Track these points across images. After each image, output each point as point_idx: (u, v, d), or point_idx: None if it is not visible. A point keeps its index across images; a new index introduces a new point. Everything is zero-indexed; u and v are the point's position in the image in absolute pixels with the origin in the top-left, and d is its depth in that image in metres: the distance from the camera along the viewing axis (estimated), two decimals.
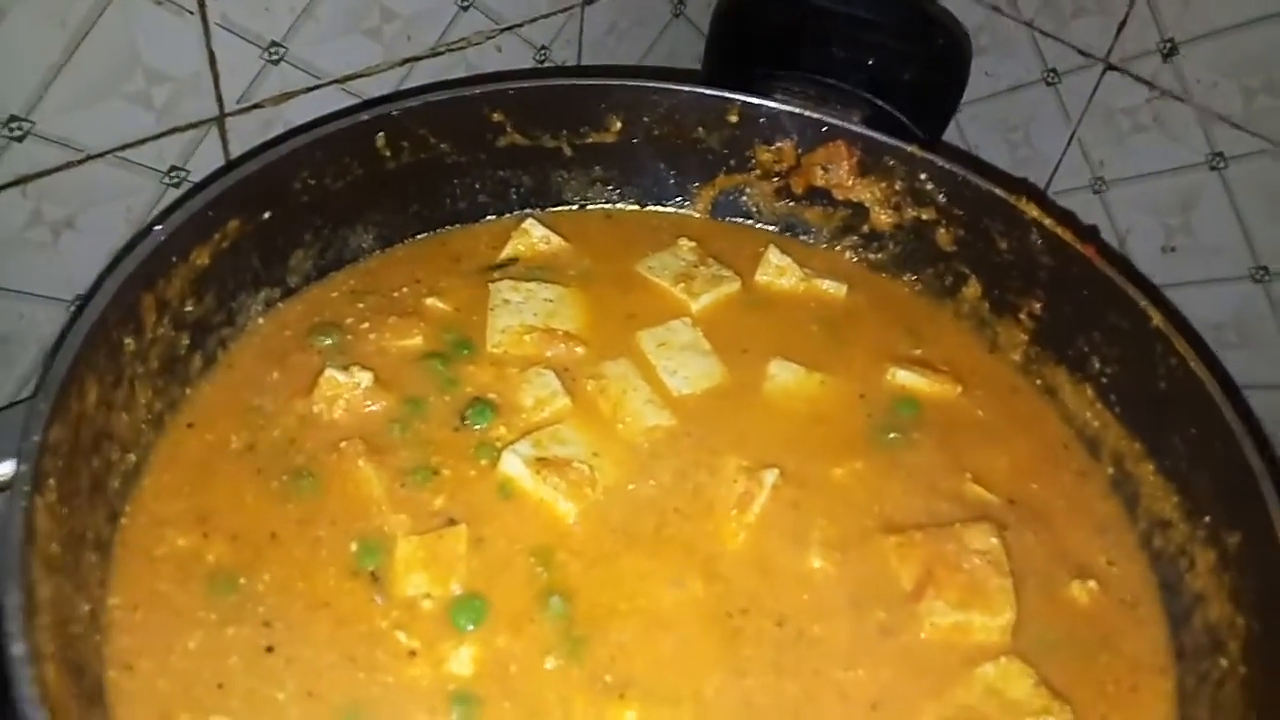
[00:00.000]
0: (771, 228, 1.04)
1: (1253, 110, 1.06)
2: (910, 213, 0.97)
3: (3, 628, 0.53)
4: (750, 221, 1.05)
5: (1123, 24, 1.13)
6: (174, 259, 0.75)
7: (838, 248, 1.03)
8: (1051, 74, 1.21)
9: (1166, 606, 0.75)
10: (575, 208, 1.03)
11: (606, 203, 1.04)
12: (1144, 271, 1.20)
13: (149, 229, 0.75)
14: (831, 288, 0.98)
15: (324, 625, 0.68)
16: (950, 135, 1.26)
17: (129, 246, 0.85)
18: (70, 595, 0.62)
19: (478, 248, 0.97)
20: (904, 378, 0.89)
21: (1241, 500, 0.68)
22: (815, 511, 0.78)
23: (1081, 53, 1.18)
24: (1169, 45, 1.10)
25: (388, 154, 0.90)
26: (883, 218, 0.98)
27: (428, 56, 1.06)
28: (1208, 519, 0.74)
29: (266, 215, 0.82)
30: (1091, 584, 0.76)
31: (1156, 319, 0.79)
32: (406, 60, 1.05)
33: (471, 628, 0.68)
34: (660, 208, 1.05)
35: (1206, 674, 0.69)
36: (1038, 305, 0.91)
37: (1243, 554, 0.69)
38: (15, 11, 0.78)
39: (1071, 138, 1.22)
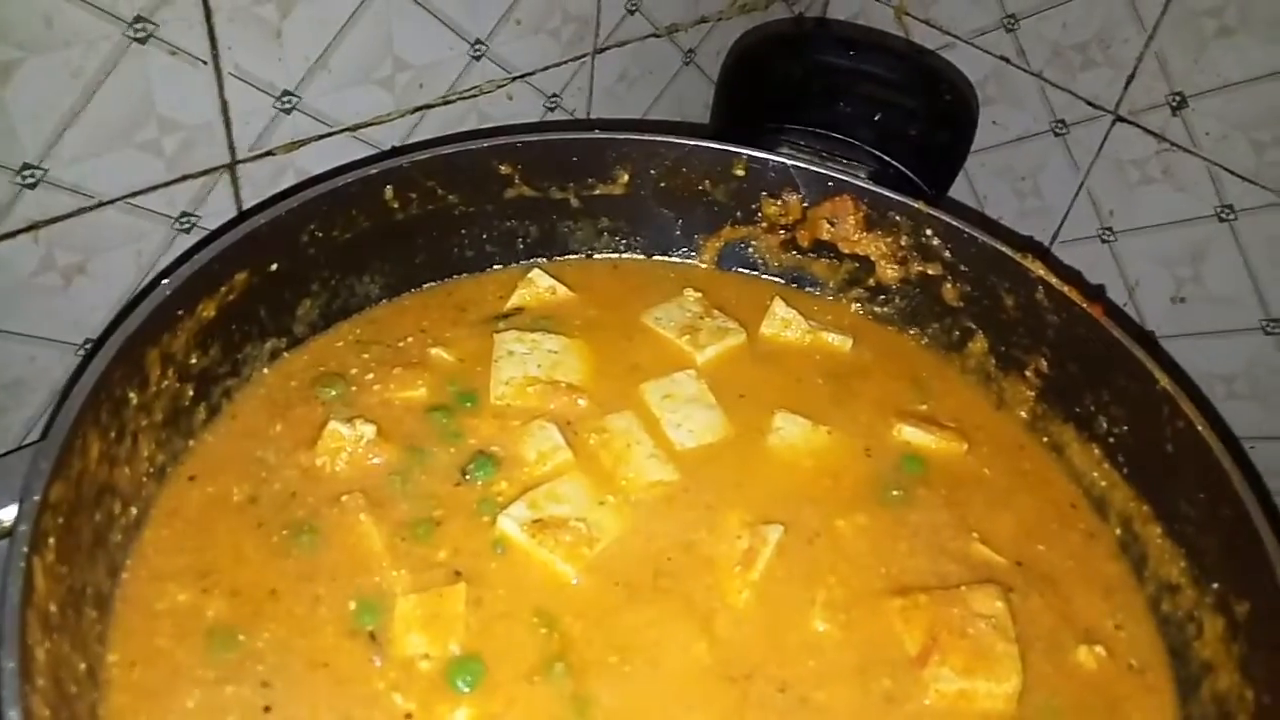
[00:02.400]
0: (778, 279, 1.04)
1: (1263, 164, 1.06)
2: (916, 267, 0.97)
3: None
4: (756, 273, 1.05)
5: (1131, 77, 1.13)
6: (180, 313, 0.75)
7: (844, 300, 1.03)
8: (1060, 124, 1.21)
9: (1175, 673, 0.74)
10: (582, 257, 1.04)
11: (613, 253, 1.04)
12: (1154, 322, 1.20)
13: (157, 281, 0.76)
14: (837, 340, 0.97)
15: (322, 685, 0.67)
16: (959, 184, 1.26)
17: (138, 297, 0.86)
18: (68, 654, 0.62)
19: (484, 297, 0.97)
20: (910, 434, 0.89)
21: (1250, 569, 0.67)
22: (820, 570, 0.78)
23: (1090, 104, 1.18)
24: (1178, 98, 1.10)
25: (396, 205, 0.90)
26: (889, 272, 0.98)
27: (439, 105, 1.07)
28: (1216, 585, 0.73)
29: (274, 267, 0.83)
30: (1099, 649, 0.75)
31: (1164, 381, 0.78)
32: (418, 109, 1.06)
33: (469, 690, 0.68)
34: (666, 258, 1.05)
35: None
36: (1044, 363, 0.90)
37: (1252, 624, 0.68)
38: (31, 62, 0.79)
39: (1080, 188, 1.22)
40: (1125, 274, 1.21)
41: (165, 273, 0.80)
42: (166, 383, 0.75)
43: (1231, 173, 1.09)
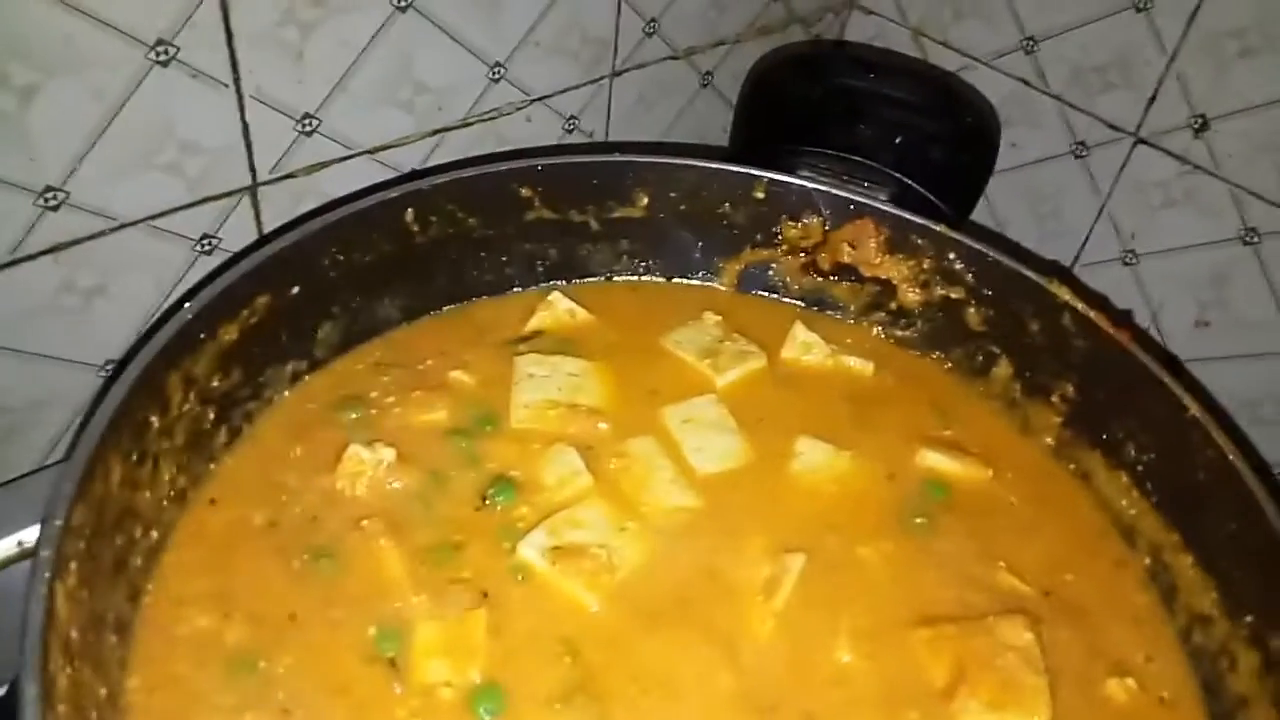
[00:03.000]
0: (798, 302, 1.04)
1: None
2: (939, 291, 0.96)
3: None
4: (777, 296, 1.04)
5: (1152, 99, 1.13)
6: (201, 336, 0.75)
7: (865, 324, 1.02)
8: (1080, 146, 1.21)
9: (1208, 708, 0.73)
10: (602, 280, 1.03)
11: (633, 275, 1.04)
12: (1178, 345, 1.19)
13: (179, 303, 0.76)
14: (859, 365, 0.97)
15: (342, 713, 0.66)
16: (978, 206, 1.26)
17: (159, 320, 0.85)
18: (89, 679, 0.61)
19: (504, 320, 0.97)
20: (933, 459, 0.88)
21: None
22: (844, 600, 0.76)
23: (1111, 126, 1.17)
24: (1200, 120, 1.10)
25: (416, 228, 0.90)
26: (911, 295, 0.97)
27: (458, 127, 1.07)
28: (1249, 618, 0.71)
29: (294, 290, 0.83)
30: (1129, 681, 0.73)
31: (1193, 408, 0.77)
32: (437, 131, 1.06)
33: (490, 718, 0.67)
34: (687, 281, 1.05)
35: None
36: (1070, 388, 0.89)
37: None
38: (53, 84, 0.79)
39: (1101, 211, 1.21)
40: (1148, 297, 1.20)
41: (187, 295, 0.80)
42: (188, 406, 0.75)
43: (1255, 195, 1.08)
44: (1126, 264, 1.21)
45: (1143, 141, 1.15)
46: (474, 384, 0.89)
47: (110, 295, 0.92)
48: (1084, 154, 1.21)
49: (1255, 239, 1.10)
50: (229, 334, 0.78)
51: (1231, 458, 0.74)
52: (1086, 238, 1.24)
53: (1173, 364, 1.01)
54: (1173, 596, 0.79)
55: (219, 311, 0.76)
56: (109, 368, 0.95)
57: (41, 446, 0.96)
